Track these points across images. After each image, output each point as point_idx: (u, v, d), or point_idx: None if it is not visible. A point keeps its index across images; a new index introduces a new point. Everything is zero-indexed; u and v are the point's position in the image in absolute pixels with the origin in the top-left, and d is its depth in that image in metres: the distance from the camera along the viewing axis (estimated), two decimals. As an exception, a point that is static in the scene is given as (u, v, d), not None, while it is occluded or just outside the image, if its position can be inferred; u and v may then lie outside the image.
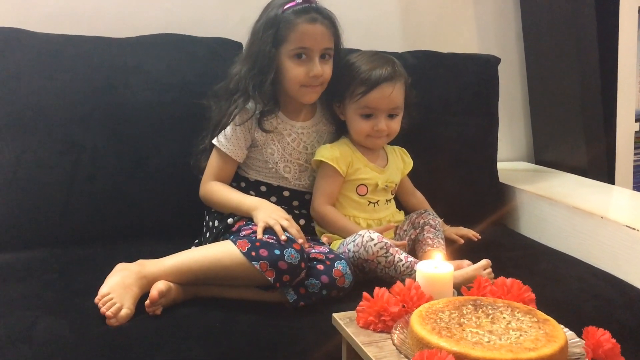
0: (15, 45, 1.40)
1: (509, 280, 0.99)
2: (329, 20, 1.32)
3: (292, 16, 1.29)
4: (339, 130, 1.44)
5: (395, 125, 1.40)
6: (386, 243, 1.23)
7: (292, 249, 1.12)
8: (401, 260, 1.21)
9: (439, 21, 1.97)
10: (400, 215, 1.45)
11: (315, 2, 1.33)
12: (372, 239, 1.23)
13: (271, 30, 1.29)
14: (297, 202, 1.40)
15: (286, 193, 1.38)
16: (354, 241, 1.25)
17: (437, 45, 1.79)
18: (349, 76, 1.37)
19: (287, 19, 1.29)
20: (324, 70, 1.32)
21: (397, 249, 1.23)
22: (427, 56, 1.73)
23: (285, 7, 1.30)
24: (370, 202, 1.39)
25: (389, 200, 1.44)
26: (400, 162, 1.49)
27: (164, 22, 1.65)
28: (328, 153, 1.37)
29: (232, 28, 1.64)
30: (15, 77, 1.38)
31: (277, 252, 1.11)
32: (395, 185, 1.45)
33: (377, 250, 1.22)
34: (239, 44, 1.59)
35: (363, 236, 1.24)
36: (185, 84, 1.48)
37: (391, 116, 1.38)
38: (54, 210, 1.38)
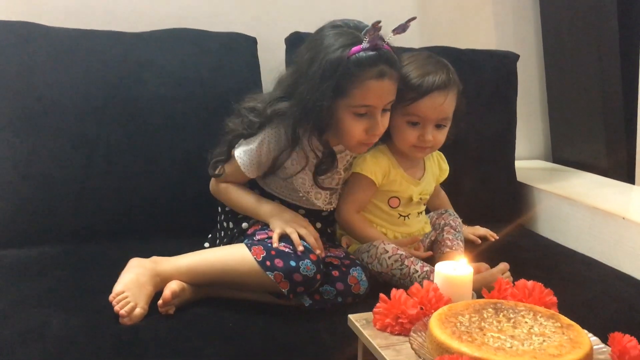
0: (29, 40, 1.40)
1: (530, 283, 0.96)
2: (396, 71, 1.17)
3: (357, 69, 1.12)
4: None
5: (442, 136, 1.30)
6: (401, 255, 1.19)
7: (309, 260, 1.09)
8: (417, 271, 1.18)
9: (456, 17, 1.94)
10: (428, 227, 1.39)
11: (382, 45, 1.14)
12: (387, 251, 1.20)
13: (331, 81, 1.11)
14: (313, 218, 1.30)
15: (302, 211, 1.29)
16: (367, 252, 1.22)
17: (454, 41, 1.77)
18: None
19: (352, 73, 1.12)
20: (384, 124, 1.20)
21: (412, 259, 1.19)
22: (444, 52, 1.68)
23: (351, 53, 1.12)
24: (400, 215, 1.33)
25: (421, 212, 1.37)
26: (437, 168, 1.41)
27: (178, 17, 1.64)
28: (366, 165, 1.28)
29: (246, 23, 1.62)
30: (30, 72, 1.37)
31: (292, 263, 1.09)
32: (428, 196, 1.38)
33: (392, 264, 1.19)
34: (253, 39, 1.58)
35: (377, 248, 1.21)
36: (200, 79, 1.46)
37: (439, 126, 1.28)
38: (67, 206, 1.37)
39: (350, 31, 1.15)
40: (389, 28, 1.82)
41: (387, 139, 1.32)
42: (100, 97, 1.40)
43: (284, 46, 1.59)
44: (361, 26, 1.16)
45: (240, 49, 1.54)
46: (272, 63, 1.56)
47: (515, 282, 0.98)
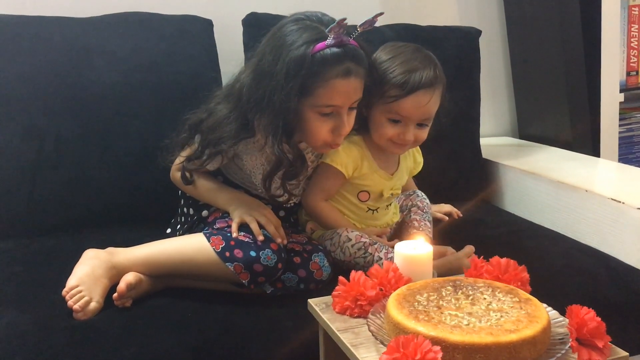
0: (-29, 28, 1.34)
1: (504, 260, 0.94)
2: (363, 68, 1.11)
3: (322, 67, 1.06)
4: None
5: (424, 134, 1.23)
6: (364, 243, 1.17)
7: (269, 250, 1.07)
8: (381, 259, 1.16)
9: (417, -7, 1.91)
10: (397, 217, 1.36)
11: (348, 41, 1.08)
12: (350, 239, 1.18)
13: (296, 81, 1.05)
14: (276, 206, 1.27)
15: (265, 200, 1.25)
16: (331, 239, 1.20)
17: (416, 18, 1.74)
18: (381, 73, 1.18)
19: (316, 72, 1.06)
20: (350, 123, 1.15)
21: (376, 245, 1.17)
22: (406, 30, 1.67)
23: (315, 50, 1.06)
24: (369, 209, 1.29)
25: (389, 204, 1.33)
26: (411, 161, 1.36)
27: (129, 0, 1.58)
28: (337, 156, 1.23)
29: (201, 5, 1.57)
30: (-27, 61, 1.32)
31: (252, 253, 1.06)
32: (399, 191, 1.34)
33: (355, 252, 1.17)
34: (209, 21, 1.54)
35: (340, 236, 1.18)
36: (153, 64, 1.42)
37: (420, 125, 1.22)
38: (18, 200, 1.32)
39: (314, 25, 1.09)
40: (350, 6, 1.79)
41: (364, 131, 1.26)
42: (49, 86, 1.35)
43: (241, 28, 1.54)
44: (325, 19, 1.11)
45: (195, 32, 1.50)
46: (229, 46, 1.53)
47: (490, 259, 0.96)
